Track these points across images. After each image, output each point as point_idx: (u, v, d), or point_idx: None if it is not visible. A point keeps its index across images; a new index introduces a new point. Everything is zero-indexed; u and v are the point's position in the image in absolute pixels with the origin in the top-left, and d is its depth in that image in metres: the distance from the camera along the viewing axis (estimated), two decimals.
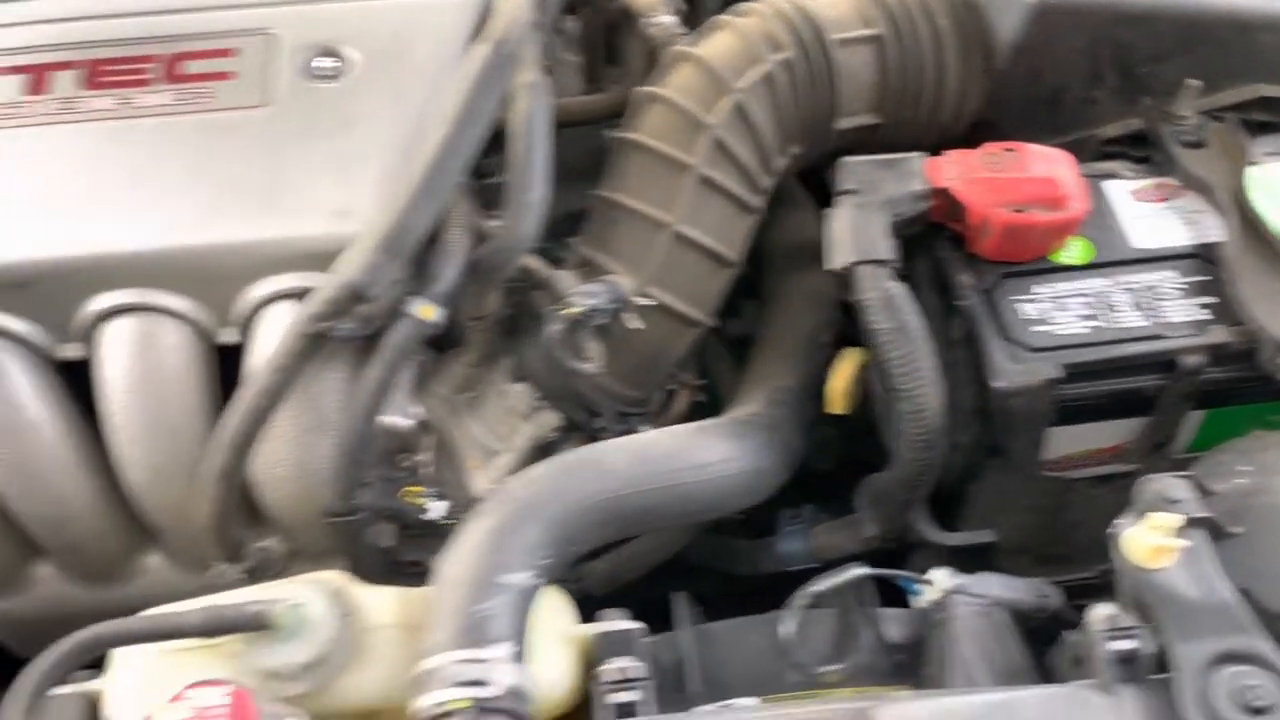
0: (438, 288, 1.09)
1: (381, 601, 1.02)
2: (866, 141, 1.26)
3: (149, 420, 1.12)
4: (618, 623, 0.98)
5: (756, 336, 1.34)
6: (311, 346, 1.06)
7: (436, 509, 1.19)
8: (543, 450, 1.22)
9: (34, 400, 1.12)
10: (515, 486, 1.05)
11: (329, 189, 1.12)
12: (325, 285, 1.05)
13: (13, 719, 0.90)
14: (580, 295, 1.14)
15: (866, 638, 1.06)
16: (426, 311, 1.08)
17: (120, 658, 0.97)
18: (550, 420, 1.22)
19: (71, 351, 1.14)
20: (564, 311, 1.12)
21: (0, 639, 1.32)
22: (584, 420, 1.23)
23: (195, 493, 1.12)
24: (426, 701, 0.86)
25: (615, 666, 0.93)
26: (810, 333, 1.29)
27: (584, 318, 1.12)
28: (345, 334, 1.07)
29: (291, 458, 1.12)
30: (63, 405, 1.14)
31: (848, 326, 1.20)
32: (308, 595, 0.98)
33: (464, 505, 1.16)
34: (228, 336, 1.14)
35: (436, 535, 1.09)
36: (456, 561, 0.97)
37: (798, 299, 1.33)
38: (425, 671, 0.88)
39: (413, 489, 1.20)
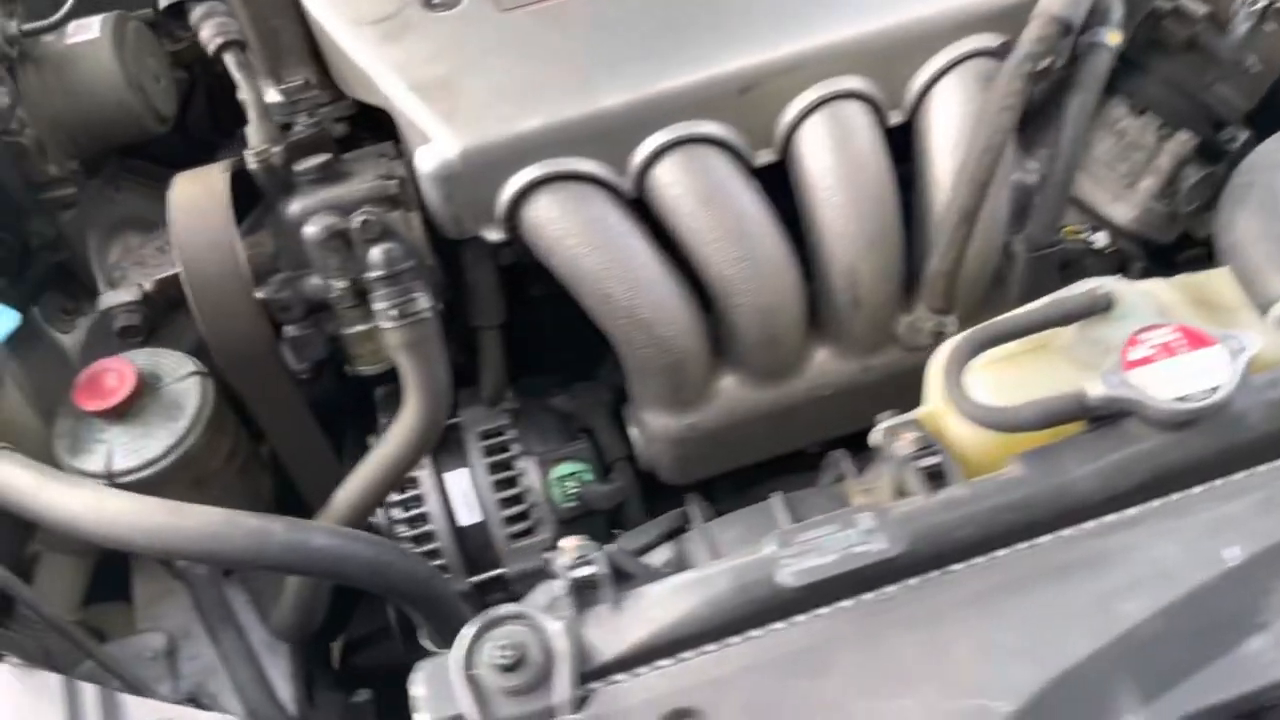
0: (1114, 16, 1.19)
1: (1158, 286, 1.13)
2: None
3: (857, 198, 1.25)
4: None
5: None
6: (1029, 85, 1.17)
7: (1099, 239, 1.30)
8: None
9: (753, 205, 1.25)
10: None
11: None
12: (1033, 25, 1.16)
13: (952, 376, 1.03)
14: None
15: None
16: (1114, 37, 1.19)
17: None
18: (1184, 139, 1.31)
19: (765, 157, 1.28)
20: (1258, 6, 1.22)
21: (671, 458, 1.46)
22: (1210, 135, 1.32)
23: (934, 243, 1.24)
24: None
25: None
26: None
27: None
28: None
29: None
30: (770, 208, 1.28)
31: None
32: (1113, 283, 1.09)
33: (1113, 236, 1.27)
34: (896, 118, 1.27)
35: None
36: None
37: None
38: None
39: (1071, 227, 1.32)
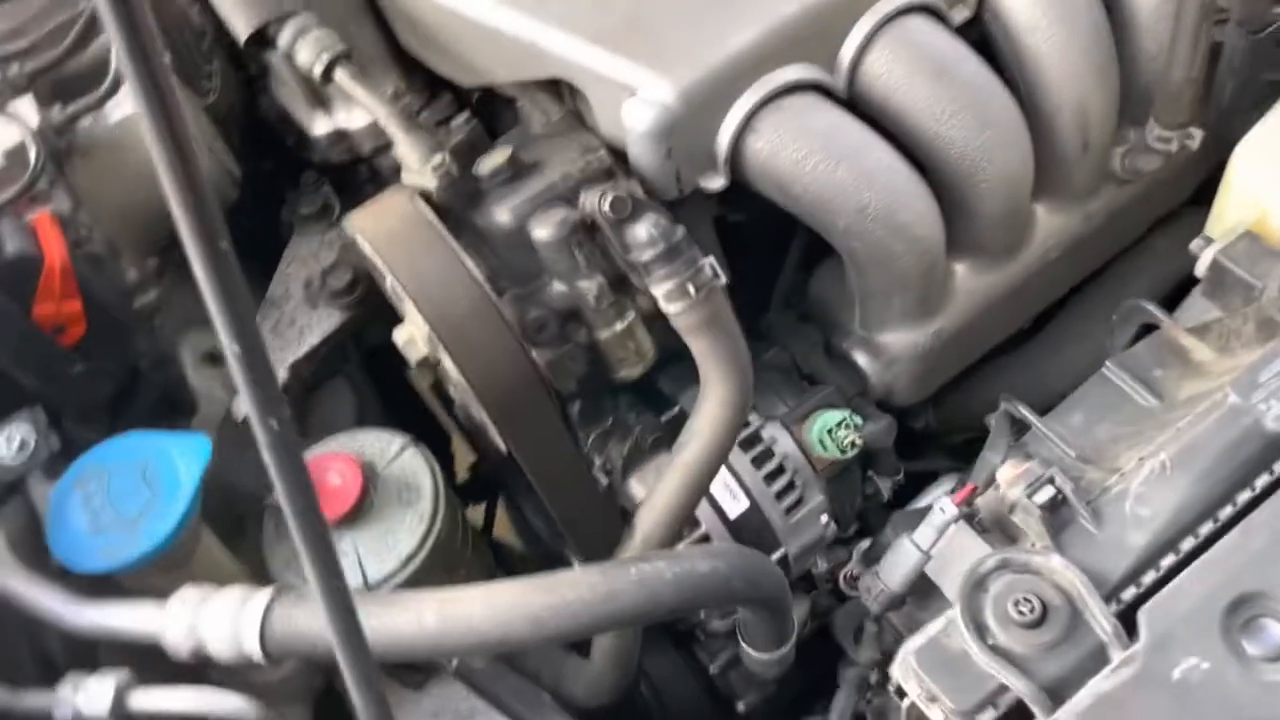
0: None
1: None
2: None
3: (1076, 31, 1.15)
4: None
5: None
6: None
7: None
8: None
9: (979, 68, 1.13)
10: None
11: None
12: None
13: None
14: None
15: None
16: None
17: None
18: None
19: (961, 15, 1.16)
20: None
21: (912, 376, 1.33)
22: None
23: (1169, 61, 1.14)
24: None
25: None
26: None
27: None
28: None
29: None
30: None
31: None
32: None
33: None
34: None
35: None
36: None
37: None
38: None
39: None
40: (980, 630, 0.83)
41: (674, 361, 1.21)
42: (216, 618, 0.92)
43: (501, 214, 1.04)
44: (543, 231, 1.02)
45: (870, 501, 1.41)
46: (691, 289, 0.98)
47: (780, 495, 1.28)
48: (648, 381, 1.31)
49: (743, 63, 1.05)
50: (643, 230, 0.98)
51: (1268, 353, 0.91)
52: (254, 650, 0.91)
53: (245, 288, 0.51)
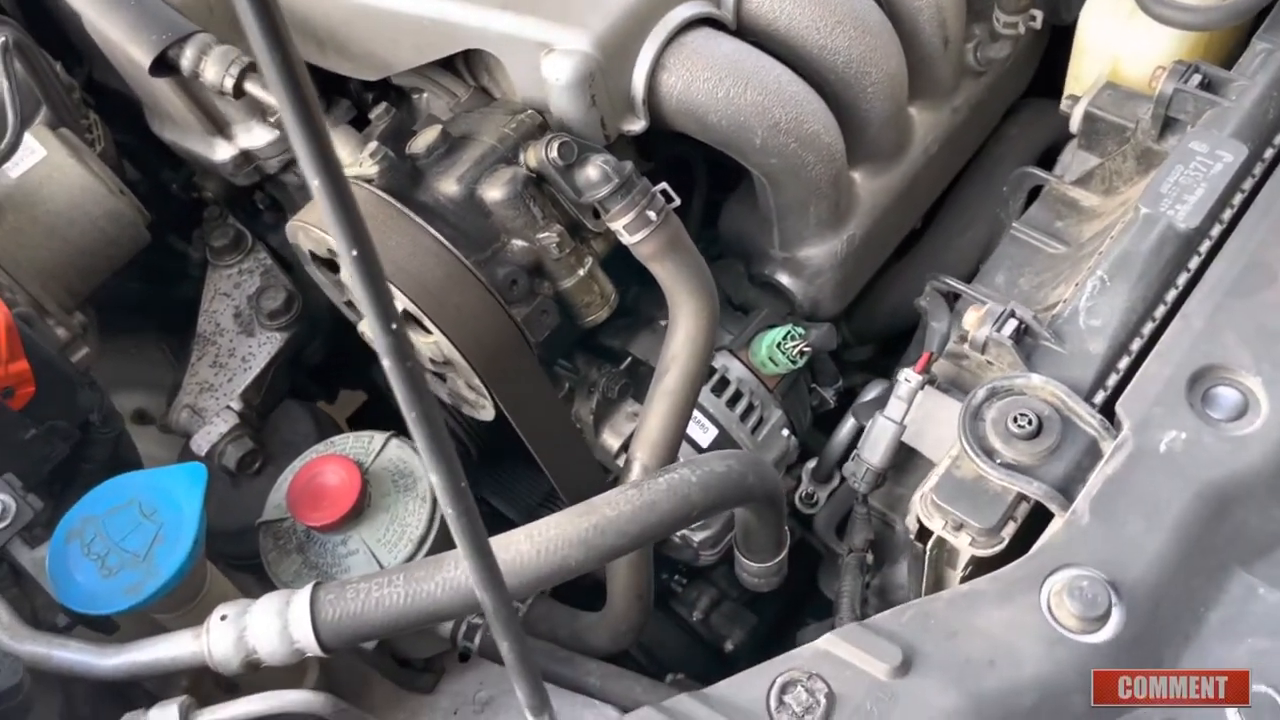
0: None
1: None
2: None
3: None
4: None
5: None
6: None
7: None
8: None
9: None
10: None
11: None
12: None
13: None
14: None
15: None
16: None
17: None
18: None
19: None
20: None
21: (834, 285, 1.42)
22: None
23: None
24: None
25: None
26: None
27: None
28: None
29: None
30: None
31: None
32: None
33: None
34: None
35: None
36: None
37: None
38: None
39: None
40: (989, 452, 0.91)
41: (612, 318, 1.26)
42: (263, 623, 0.91)
43: (448, 185, 1.07)
44: (495, 192, 1.05)
45: (815, 412, 1.50)
46: (652, 214, 1.03)
47: (744, 417, 1.35)
48: (593, 342, 1.36)
49: (643, 7, 1.11)
50: (594, 170, 1.03)
51: (1160, 170, 1.03)
52: (309, 644, 0.90)
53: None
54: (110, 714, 0.94)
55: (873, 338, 1.67)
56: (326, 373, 1.52)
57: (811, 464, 1.43)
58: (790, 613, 1.73)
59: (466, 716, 1.34)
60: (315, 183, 0.50)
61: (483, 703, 1.36)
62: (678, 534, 1.37)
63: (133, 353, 1.48)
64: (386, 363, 0.56)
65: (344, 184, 0.49)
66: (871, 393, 1.42)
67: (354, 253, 0.53)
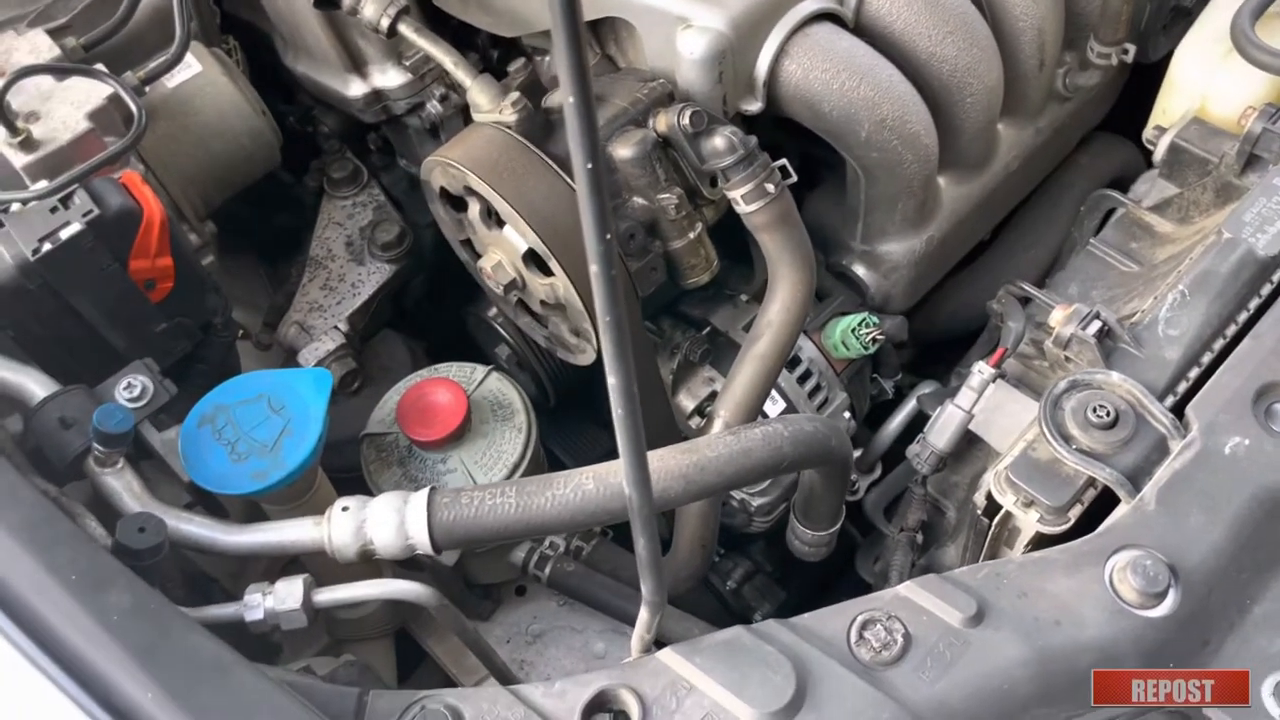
0: None
1: None
2: None
3: None
4: None
5: None
6: None
7: None
8: None
9: None
10: None
11: None
12: None
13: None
14: None
15: None
16: None
17: None
18: None
19: None
20: None
21: (908, 281, 1.49)
22: None
23: None
24: None
25: None
26: None
27: None
28: None
29: None
30: None
31: None
32: None
33: None
34: None
35: None
36: None
37: None
38: None
39: None
40: (1066, 438, 0.99)
41: (696, 290, 1.34)
42: (382, 517, 0.98)
43: None
44: (625, 150, 1.13)
45: (874, 401, 1.57)
46: (770, 187, 1.11)
47: (811, 395, 1.42)
48: (678, 309, 1.43)
49: None
50: (720, 140, 1.11)
51: (1245, 200, 1.11)
52: (422, 541, 0.98)
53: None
54: (193, 602, 1.02)
55: (928, 339, 1.74)
56: (417, 315, 1.59)
57: (857, 453, 1.50)
58: (817, 596, 1.80)
59: (518, 645, 1.42)
60: (570, 100, 0.57)
61: (535, 635, 1.44)
62: (735, 498, 1.45)
63: (233, 271, 1.55)
64: (593, 268, 0.64)
65: (591, 105, 0.56)
66: (927, 388, 1.50)
67: (588, 166, 0.60)
